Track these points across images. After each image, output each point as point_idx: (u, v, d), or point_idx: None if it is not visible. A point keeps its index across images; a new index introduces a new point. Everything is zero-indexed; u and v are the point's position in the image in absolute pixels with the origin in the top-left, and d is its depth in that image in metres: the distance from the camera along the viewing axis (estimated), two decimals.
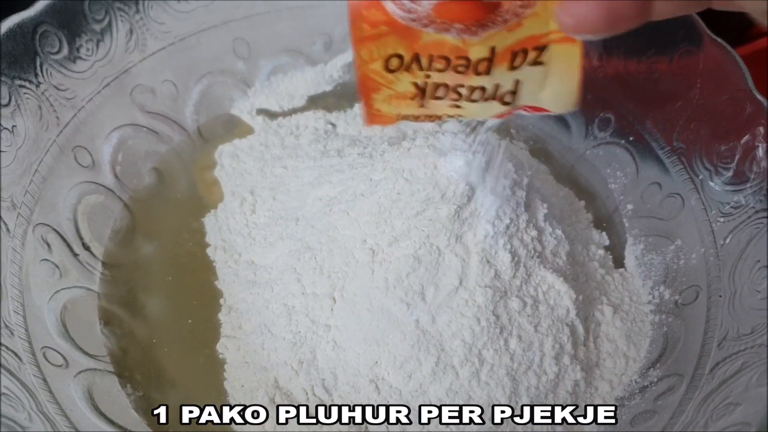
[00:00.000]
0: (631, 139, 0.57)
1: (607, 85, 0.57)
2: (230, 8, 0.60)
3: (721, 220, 0.49)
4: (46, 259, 0.47)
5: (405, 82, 0.37)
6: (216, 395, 0.46)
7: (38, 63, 0.49)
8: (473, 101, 0.38)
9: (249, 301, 0.48)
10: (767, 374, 0.38)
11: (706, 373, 0.43)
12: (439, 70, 0.37)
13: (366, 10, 0.34)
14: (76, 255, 0.50)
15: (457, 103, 0.39)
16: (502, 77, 0.37)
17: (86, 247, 0.51)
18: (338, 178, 0.51)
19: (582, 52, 0.35)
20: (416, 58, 0.36)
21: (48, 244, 0.48)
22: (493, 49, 0.35)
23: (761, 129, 0.47)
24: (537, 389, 0.44)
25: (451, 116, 0.40)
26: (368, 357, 0.43)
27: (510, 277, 0.44)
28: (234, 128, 0.62)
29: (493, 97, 0.38)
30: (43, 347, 0.43)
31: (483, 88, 0.37)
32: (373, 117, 0.40)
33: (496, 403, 0.43)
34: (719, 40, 0.51)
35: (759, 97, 0.48)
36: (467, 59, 0.36)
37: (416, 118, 0.40)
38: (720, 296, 0.46)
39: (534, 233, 0.46)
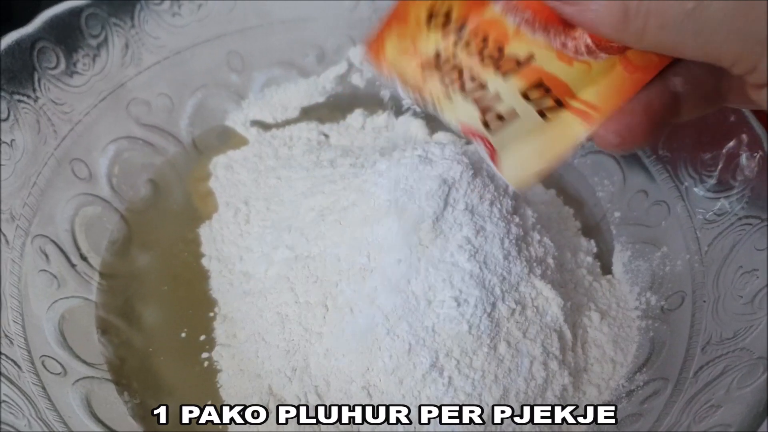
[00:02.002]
0: None
1: None
2: (224, 22, 0.62)
3: (706, 227, 0.50)
4: (44, 270, 0.48)
5: (430, 44, 0.35)
6: (212, 403, 0.47)
7: (36, 78, 0.50)
8: (464, 97, 0.35)
9: (243, 310, 0.49)
10: (748, 377, 0.39)
11: (690, 377, 0.43)
12: (468, 54, 0.34)
13: None
14: (73, 265, 0.50)
15: (451, 94, 0.36)
16: (508, 94, 0.34)
17: (83, 258, 0.51)
18: (331, 188, 0.52)
19: (577, 145, 0.34)
20: (461, 27, 0.33)
21: (46, 255, 0.49)
22: (529, 58, 0.33)
23: (744, 137, 0.48)
24: (525, 394, 0.45)
25: (437, 105, 0.37)
26: (360, 364, 0.44)
27: (499, 284, 0.45)
28: (228, 140, 0.63)
29: (483, 106, 0.35)
30: (42, 356, 0.44)
31: (484, 87, 0.34)
32: (374, 49, 0.37)
33: (486, 406, 0.44)
34: None
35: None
36: (501, 50, 0.33)
37: (411, 87, 0.37)
38: (704, 301, 0.47)
39: (521, 239, 0.47)
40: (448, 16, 0.34)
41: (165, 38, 0.59)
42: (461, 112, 0.36)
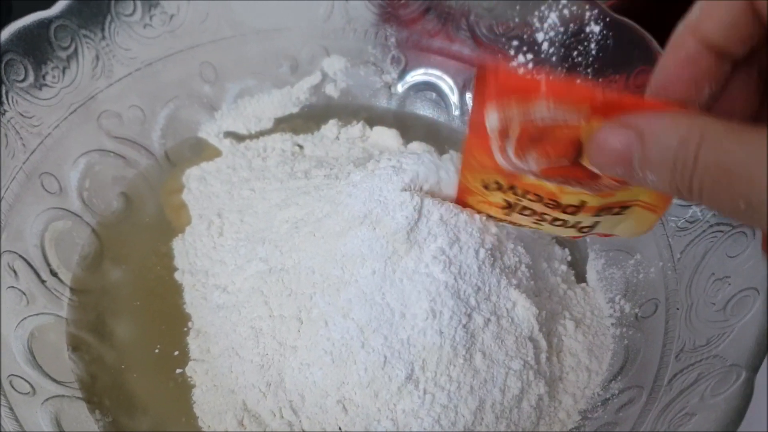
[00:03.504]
0: None
1: None
2: (196, 33, 0.61)
3: (678, 234, 0.50)
4: (12, 287, 0.47)
5: (497, 197, 0.41)
6: (186, 419, 0.46)
7: (4, 91, 0.49)
8: (555, 225, 0.42)
9: (217, 324, 0.49)
10: (721, 384, 0.39)
11: (665, 385, 0.44)
12: (530, 200, 0.39)
13: (478, 154, 0.36)
14: (43, 281, 0.50)
15: (540, 223, 0.42)
16: (584, 219, 0.39)
17: (54, 274, 0.51)
18: (305, 199, 0.52)
19: (659, 218, 0.39)
20: (512, 188, 0.39)
21: (15, 272, 0.48)
22: (583, 203, 0.38)
23: None
24: (501, 404, 0.45)
25: (532, 227, 0.44)
26: (335, 377, 0.44)
27: (474, 294, 0.45)
28: (201, 151, 0.62)
29: (573, 227, 0.41)
30: (9, 375, 0.43)
31: (565, 221, 0.40)
32: (463, 205, 0.46)
33: (462, 419, 0.44)
34: None
35: None
36: (557, 202, 0.38)
37: (499, 220, 0.45)
38: (677, 309, 0.47)
39: (497, 250, 0.47)
40: (498, 183, 0.39)
41: (136, 50, 0.58)
42: (557, 232, 0.43)
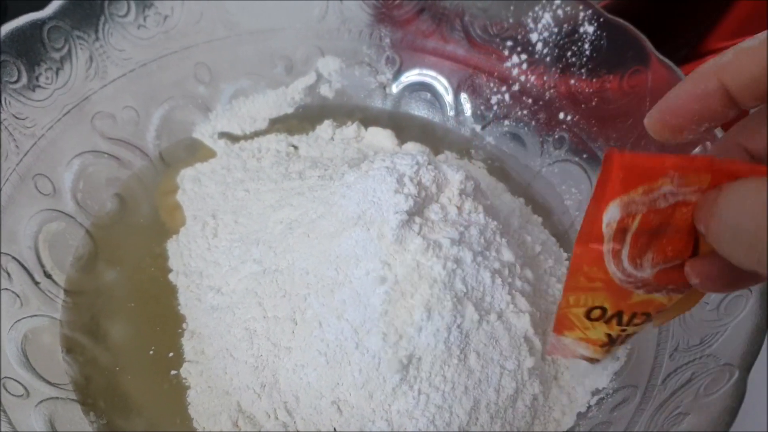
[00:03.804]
0: (584, 156, 0.58)
1: (561, 105, 0.59)
2: (190, 34, 0.61)
3: None
4: (6, 289, 0.47)
5: (599, 332, 0.39)
6: (180, 421, 0.46)
7: None
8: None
9: (211, 325, 0.48)
10: (715, 384, 0.39)
11: (659, 384, 0.44)
12: (636, 325, 0.38)
13: (588, 266, 0.34)
14: (37, 283, 0.49)
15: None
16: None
17: (48, 275, 0.50)
18: (299, 200, 0.52)
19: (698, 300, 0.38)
20: (618, 314, 0.37)
21: (8, 274, 0.48)
22: (662, 305, 0.36)
23: (708, 144, 0.49)
24: (496, 405, 0.45)
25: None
26: (329, 378, 0.44)
27: (469, 294, 0.45)
28: (196, 152, 0.62)
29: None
30: (3, 378, 0.43)
31: (648, 316, 0.38)
32: (555, 348, 0.44)
33: (457, 419, 0.44)
34: (666, 60, 0.53)
35: None
36: (630, 318, 0.37)
37: (591, 360, 0.44)
38: None
39: (492, 250, 0.47)
40: (603, 309, 0.37)
41: (130, 50, 0.58)
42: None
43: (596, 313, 0.38)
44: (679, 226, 0.31)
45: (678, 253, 0.32)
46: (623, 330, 0.38)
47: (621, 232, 0.32)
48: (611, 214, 0.31)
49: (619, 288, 0.34)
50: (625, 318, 0.37)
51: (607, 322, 0.38)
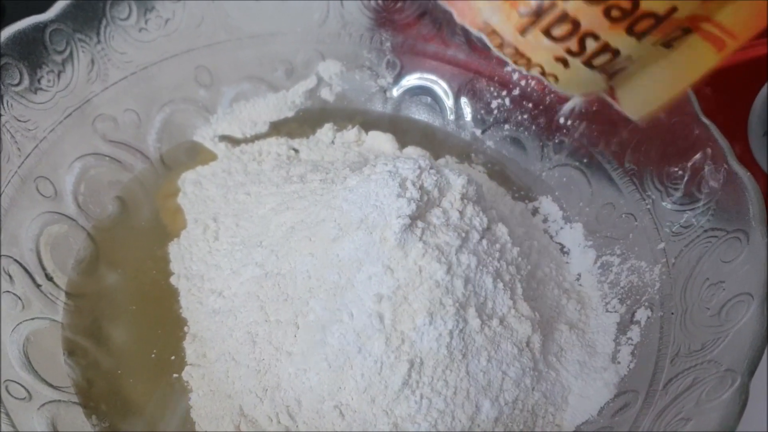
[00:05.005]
0: (585, 161, 0.59)
1: (561, 110, 0.59)
2: (191, 37, 0.61)
3: (672, 239, 0.50)
4: (8, 291, 0.47)
5: None
6: (182, 424, 0.46)
7: None
8: (590, 65, 0.30)
9: (213, 329, 0.48)
10: (717, 389, 0.39)
11: (660, 389, 0.44)
12: (590, 4, 0.28)
13: None
14: (38, 286, 0.49)
15: (567, 58, 0.30)
16: (643, 52, 0.29)
17: (49, 278, 0.50)
18: (301, 204, 0.52)
19: (722, 59, 0.29)
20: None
21: (10, 276, 0.48)
22: (672, 10, 0.28)
23: (709, 150, 0.49)
24: (498, 409, 0.45)
25: (540, 75, 0.31)
26: (332, 383, 0.44)
27: (471, 299, 0.45)
28: (197, 155, 0.62)
29: (611, 72, 0.30)
30: (5, 380, 0.43)
31: (615, 54, 0.29)
32: (463, 13, 0.32)
33: (459, 424, 0.44)
34: None
35: (705, 120, 0.50)
36: (633, 5, 0.28)
37: (500, 46, 0.31)
38: (672, 313, 0.47)
39: (492, 255, 0.48)
40: None
41: (132, 53, 0.58)
42: (585, 85, 0.31)
43: None
44: None
45: None
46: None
47: None
48: None
49: None
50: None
51: None
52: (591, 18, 0.28)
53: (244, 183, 0.59)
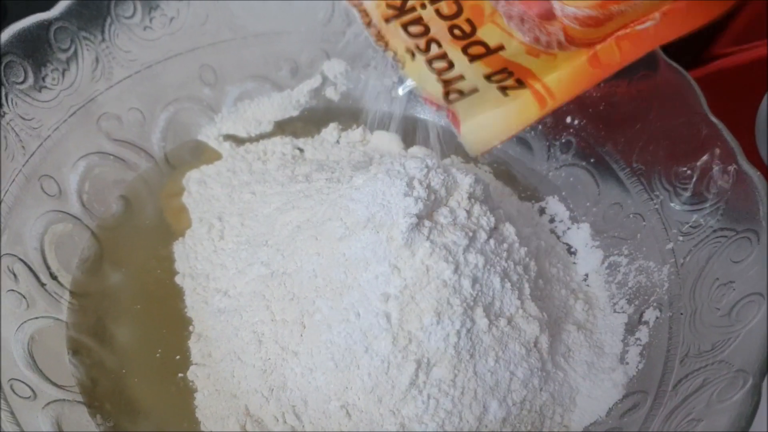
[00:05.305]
0: (592, 160, 0.58)
1: (568, 109, 0.59)
2: (196, 36, 0.61)
3: (681, 239, 0.50)
4: (12, 290, 0.47)
5: None
6: (187, 424, 0.46)
7: (3, 93, 0.49)
8: (432, 66, 0.35)
9: (218, 328, 0.48)
10: (728, 390, 0.39)
11: (670, 390, 0.44)
12: (440, 15, 0.33)
13: None
14: (43, 285, 0.49)
15: (414, 52, 0.35)
16: (472, 75, 0.34)
17: (53, 277, 0.50)
18: (306, 203, 0.52)
19: (541, 117, 0.35)
20: None
21: (14, 275, 0.47)
22: (498, 48, 0.32)
23: (717, 150, 0.49)
24: (506, 410, 0.44)
25: (393, 60, 0.37)
26: (338, 382, 0.43)
27: (479, 299, 0.45)
28: (201, 154, 0.62)
29: (445, 81, 0.35)
30: (10, 379, 0.42)
31: (450, 65, 0.34)
32: None
33: (466, 424, 0.43)
34: (674, 64, 0.53)
35: (713, 119, 0.49)
36: (471, 30, 0.32)
37: (368, 24, 0.37)
38: (681, 314, 0.47)
39: (500, 254, 0.47)
40: None
41: (136, 52, 0.58)
42: (424, 81, 0.37)
43: None
44: None
45: None
46: (422, 5, 0.33)
47: None
48: None
49: None
50: None
51: None
52: (439, 29, 0.34)
53: (248, 182, 0.59)
